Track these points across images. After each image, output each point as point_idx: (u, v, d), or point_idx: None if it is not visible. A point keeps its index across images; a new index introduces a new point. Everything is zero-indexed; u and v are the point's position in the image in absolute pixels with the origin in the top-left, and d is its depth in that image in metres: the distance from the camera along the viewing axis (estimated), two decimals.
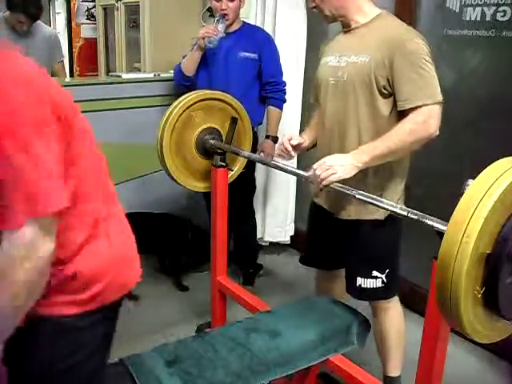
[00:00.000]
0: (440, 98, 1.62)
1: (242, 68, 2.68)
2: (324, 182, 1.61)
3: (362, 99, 1.70)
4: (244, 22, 2.79)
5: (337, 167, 1.60)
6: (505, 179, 1.05)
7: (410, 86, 1.62)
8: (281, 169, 1.94)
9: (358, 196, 1.58)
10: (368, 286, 1.83)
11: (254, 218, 3.03)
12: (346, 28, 1.79)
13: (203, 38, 2.57)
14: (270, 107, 2.75)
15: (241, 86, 2.65)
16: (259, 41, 2.71)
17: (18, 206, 0.95)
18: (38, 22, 3.40)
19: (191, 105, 2.14)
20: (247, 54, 2.68)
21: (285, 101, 2.76)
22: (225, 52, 2.70)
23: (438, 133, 1.62)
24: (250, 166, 2.44)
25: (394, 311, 1.94)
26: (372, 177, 1.74)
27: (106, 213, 1.15)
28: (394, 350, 1.97)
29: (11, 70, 0.98)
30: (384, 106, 1.70)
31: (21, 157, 0.93)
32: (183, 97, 2.16)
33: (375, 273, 1.82)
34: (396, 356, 1.98)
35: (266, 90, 2.73)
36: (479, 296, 1.12)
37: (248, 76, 2.70)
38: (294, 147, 1.84)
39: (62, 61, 3.51)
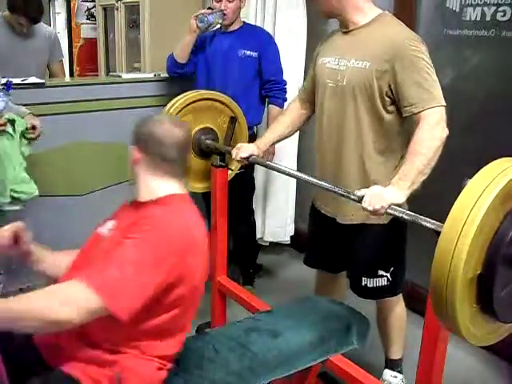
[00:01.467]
0: (444, 102, 1.60)
1: (242, 66, 2.68)
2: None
3: (362, 104, 1.68)
4: (244, 21, 2.79)
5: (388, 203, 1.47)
6: (489, 193, 1.03)
7: (415, 89, 1.59)
8: (291, 175, 1.95)
9: (352, 196, 1.56)
10: (373, 285, 1.84)
11: (254, 218, 3.03)
12: (345, 28, 1.75)
13: (196, 18, 2.58)
14: (271, 106, 2.74)
15: (240, 85, 2.65)
16: (260, 40, 2.71)
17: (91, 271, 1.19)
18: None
19: (179, 111, 2.11)
20: (247, 53, 2.67)
21: (285, 99, 2.76)
22: (225, 50, 2.70)
23: (447, 133, 1.59)
24: (249, 165, 2.42)
25: (397, 306, 1.96)
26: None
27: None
28: (397, 336, 2.01)
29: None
30: (385, 112, 1.68)
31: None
32: (170, 104, 2.13)
33: (380, 272, 1.83)
34: (398, 341, 2.02)
35: (267, 88, 2.72)
36: (475, 310, 1.12)
37: (247, 75, 2.70)
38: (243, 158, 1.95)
39: (62, 60, 3.51)
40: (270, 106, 2.75)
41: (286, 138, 2.06)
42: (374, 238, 1.81)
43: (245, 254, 3.03)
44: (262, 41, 2.72)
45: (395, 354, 2.04)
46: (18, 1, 2.99)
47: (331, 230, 1.90)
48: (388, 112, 1.68)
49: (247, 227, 2.97)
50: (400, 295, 1.96)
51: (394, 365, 2.05)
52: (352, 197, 1.56)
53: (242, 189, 2.72)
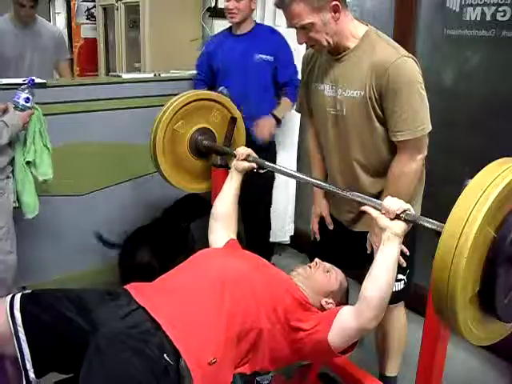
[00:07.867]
0: (428, 128, 1.60)
1: (259, 71, 2.65)
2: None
3: (366, 131, 1.67)
4: (256, 22, 2.76)
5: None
6: (495, 186, 1.05)
7: (396, 116, 1.58)
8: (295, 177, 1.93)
9: (351, 196, 1.55)
10: (393, 290, 1.82)
11: (270, 216, 2.98)
12: (335, 54, 1.68)
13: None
14: (284, 97, 2.71)
15: (258, 90, 2.64)
16: (275, 43, 2.68)
17: None
18: (44, 20, 3.38)
19: (170, 120, 2.08)
20: (263, 57, 2.64)
21: None
22: (239, 55, 2.67)
23: (426, 153, 1.64)
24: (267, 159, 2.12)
25: (397, 312, 1.92)
26: None
27: None
28: (394, 350, 1.96)
29: None
30: (388, 136, 1.66)
31: None
32: (160, 114, 2.09)
33: (399, 276, 1.78)
34: (396, 356, 1.97)
35: (283, 90, 2.72)
36: (476, 309, 1.12)
37: (264, 79, 2.68)
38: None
39: (68, 59, 3.48)
40: (282, 97, 2.72)
41: None
42: None
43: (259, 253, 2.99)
44: (277, 45, 2.68)
45: (391, 371, 1.98)
46: None
47: (343, 236, 1.88)
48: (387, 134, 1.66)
49: (264, 225, 2.94)
50: (402, 307, 1.93)
51: (389, 383, 1.97)
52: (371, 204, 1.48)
53: (262, 185, 2.67)
